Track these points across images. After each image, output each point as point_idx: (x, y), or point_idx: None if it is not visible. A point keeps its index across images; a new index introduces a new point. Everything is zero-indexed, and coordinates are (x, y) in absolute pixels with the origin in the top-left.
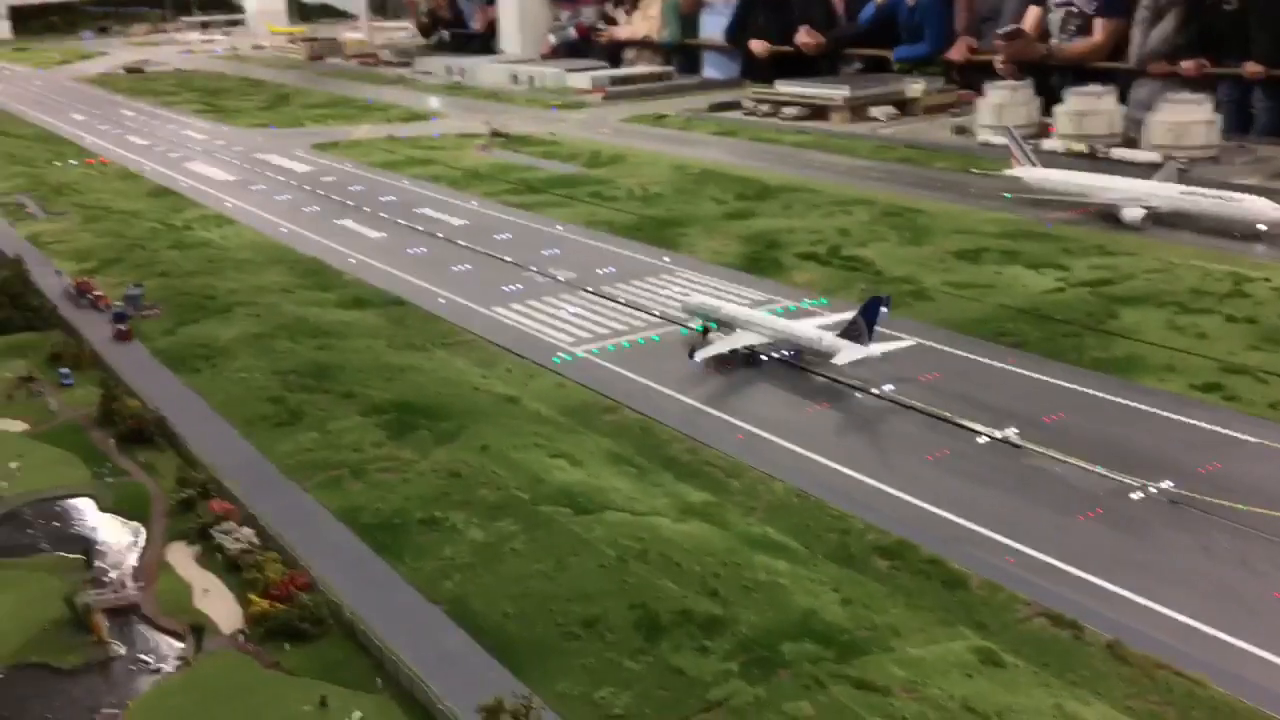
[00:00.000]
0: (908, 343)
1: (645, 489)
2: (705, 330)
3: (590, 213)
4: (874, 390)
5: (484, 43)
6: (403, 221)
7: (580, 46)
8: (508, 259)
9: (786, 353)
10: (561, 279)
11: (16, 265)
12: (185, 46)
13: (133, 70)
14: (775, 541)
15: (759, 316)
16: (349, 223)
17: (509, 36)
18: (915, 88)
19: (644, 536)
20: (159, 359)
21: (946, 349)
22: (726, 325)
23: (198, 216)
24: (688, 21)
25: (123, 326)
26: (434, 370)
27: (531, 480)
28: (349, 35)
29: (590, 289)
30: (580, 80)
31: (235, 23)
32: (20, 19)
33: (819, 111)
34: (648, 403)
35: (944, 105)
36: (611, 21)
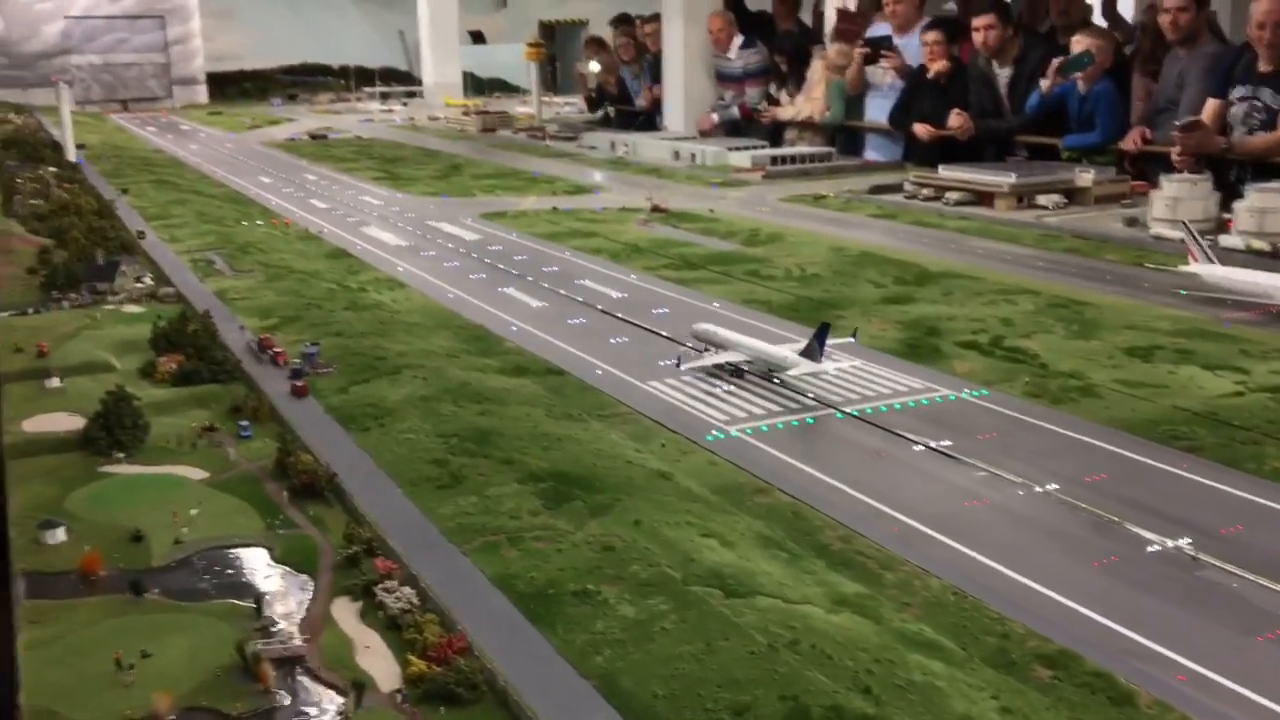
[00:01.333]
0: (854, 361)
1: (796, 575)
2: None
3: (747, 291)
4: (1037, 488)
5: (648, 120)
6: (564, 292)
7: (741, 125)
8: (664, 333)
9: (766, 370)
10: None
11: (205, 320)
12: (366, 115)
13: (316, 137)
14: (931, 640)
15: (745, 341)
16: (513, 291)
17: (673, 114)
18: (1085, 177)
19: (795, 625)
20: (331, 416)
21: (1115, 449)
22: (719, 346)
23: (371, 279)
24: (851, 103)
25: (299, 383)
26: (590, 442)
27: (683, 559)
28: (519, 109)
29: (745, 368)
30: (741, 159)
31: (413, 94)
32: (216, 84)
33: (983, 197)
34: (800, 486)
35: (1115, 196)
36: (774, 101)
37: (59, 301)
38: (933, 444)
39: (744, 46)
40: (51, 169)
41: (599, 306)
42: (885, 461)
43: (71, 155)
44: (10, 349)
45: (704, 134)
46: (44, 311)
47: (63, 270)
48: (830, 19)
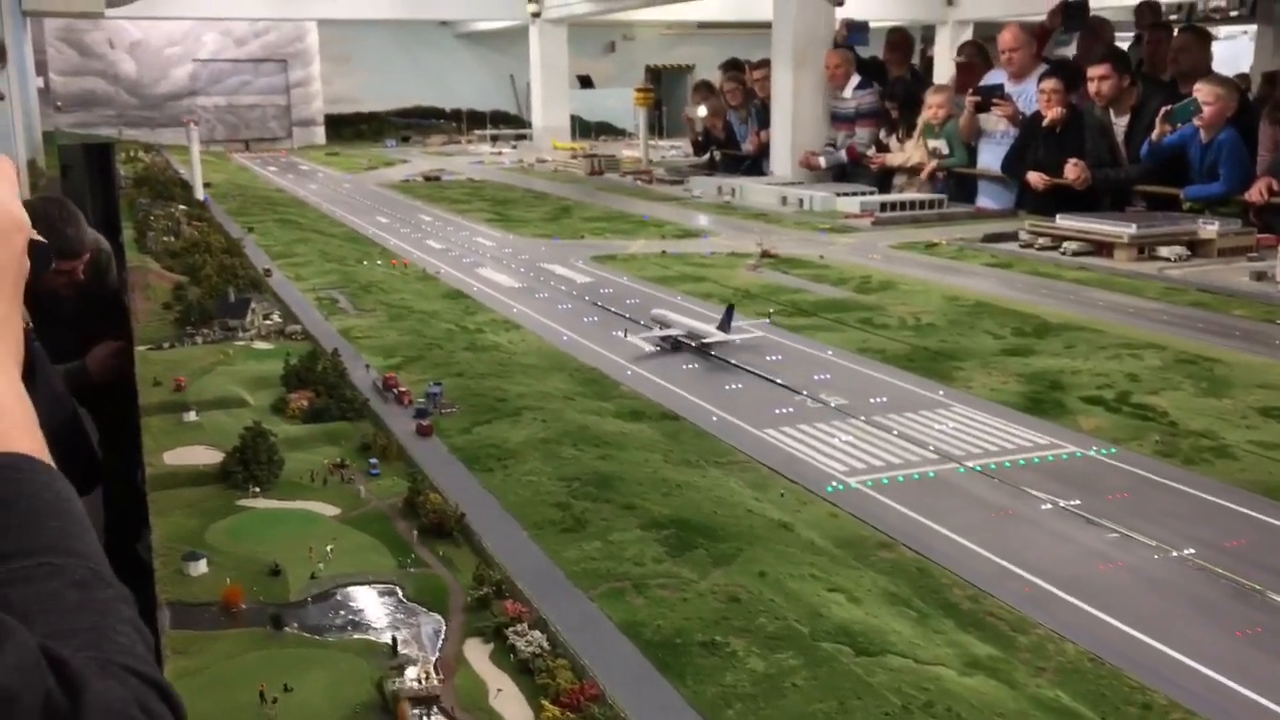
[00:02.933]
0: (757, 333)
1: (926, 635)
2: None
3: (861, 339)
4: (1173, 552)
5: (754, 164)
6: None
7: (848, 169)
8: (778, 380)
9: (695, 341)
10: (833, 405)
11: (333, 358)
12: (477, 158)
13: (430, 178)
14: (1069, 708)
15: (681, 320)
16: (632, 339)
17: (780, 159)
18: (1208, 228)
19: (929, 687)
20: (456, 456)
21: (1254, 514)
22: (666, 325)
23: (488, 320)
24: (967, 148)
25: (424, 422)
26: (709, 489)
27: (810, 613)
28: (626, 152)
29: (863, 418)
30: (849, 204)
31: (522, 137)
32: (334, 126)
33: (1102, 248)
34: (924, 542)
35: (1240, 249)
36: (883, 148)
37: (193, 336)
38: (1061, 502)
39: (859, 87)
40: (181, 207)
41: (713, 352)
42: (1012, 519)
43: (200, 194)
44: (150, 382)
45: (807, 168)
46: (180, 346)
47: (197, 306)
48: (940, 65)
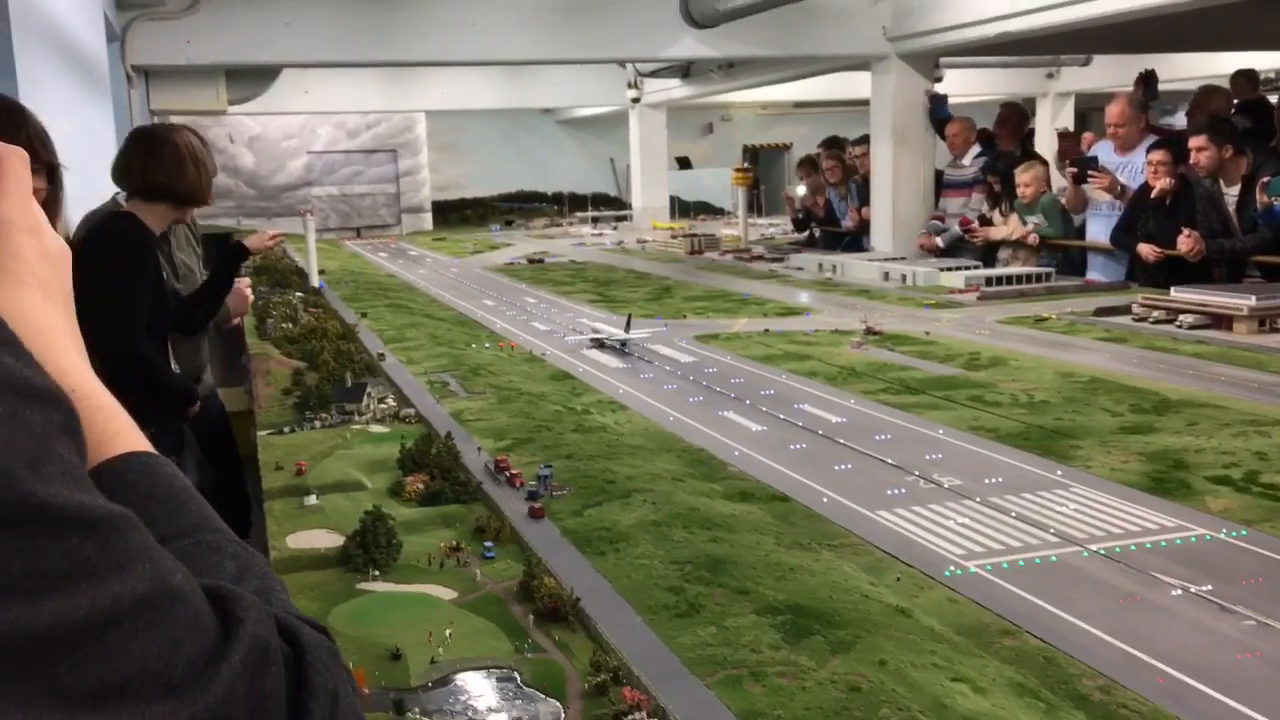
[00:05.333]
0: (646, 333)
1: None
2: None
3: (972, 417)
4: None
5: (854, 240)
6: (782, 416)
7: (954, 246)
8: (889, 461)
9: (615, 343)
10: (947, 486)
11: (446, 441)
12: (578, 239)
13: (534, 261)
14: None
15: (606, 329)
16: (731, 414)
17: (880, 234)
18: None
19: None
20: (568, 539)
21: None
22: (597, 334)
23: (594, 401)
24: (1069, 220)
25: (536, 505)
26: (823, 573)
27: (934, 704)
28: (725, 231)
29: (978, 499)
30: (954, 279)
31: (622, 218)
32: (440, 212)
33: (1220, 320)
34: (1050, 630)
35: None
36: (986, 222)
37: (312, 421)
38: (1192, 588)
39: (979, 155)
40: (298, 294)
41: (820, 431)
42: (1141, 605)
43: (315, 281)
44: (271, 467)
45: (926, 251)
46: (299, 430)
47: (315, 391)
48: (1042, 138)
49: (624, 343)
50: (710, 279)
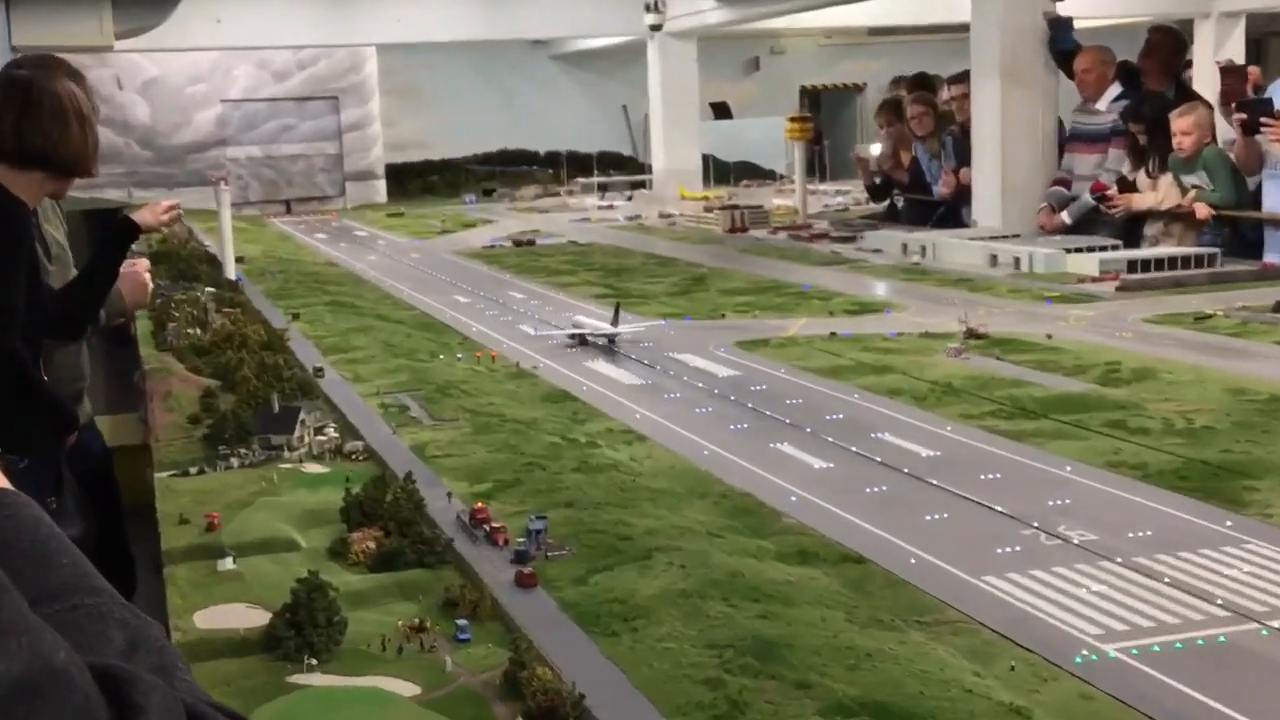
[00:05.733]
0: (646, 325)
1: None
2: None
3: (1111, 449)
4: None
5: (950, 212)
6: (855, 449)
7: (1085, 220)
8: (999, 509)
9: (601, 340)
10: (1077, 542)
11: (406, 485)
12: (581, 214)
13: (521, 243)
14: None
15: (586, 321)
16: (786, 446)
17: (986, 204)
18: None
19: None
20: (569, 614)
21: None
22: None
23: (603, 430)
24: (1240, 182)
25: (526, 569)
26: (910, 659)
27: None
28: (777, 201)
29: (1119, 559)
30: (1085, 264)
31: (639, 185)
32: (397, 179)
33: None
34: None
35: None
36: (1128, 186)
37: (227, 459)
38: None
39: (1119, 97)
40: (208, 289)
41: (905, 469)
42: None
43: (231, 272)
44: (174, 520)
45: (1047, 231)
46: (211, 471)
47: (231, 419)
48: (1201, 74)
49: (611, 339)
50: (757, 265)
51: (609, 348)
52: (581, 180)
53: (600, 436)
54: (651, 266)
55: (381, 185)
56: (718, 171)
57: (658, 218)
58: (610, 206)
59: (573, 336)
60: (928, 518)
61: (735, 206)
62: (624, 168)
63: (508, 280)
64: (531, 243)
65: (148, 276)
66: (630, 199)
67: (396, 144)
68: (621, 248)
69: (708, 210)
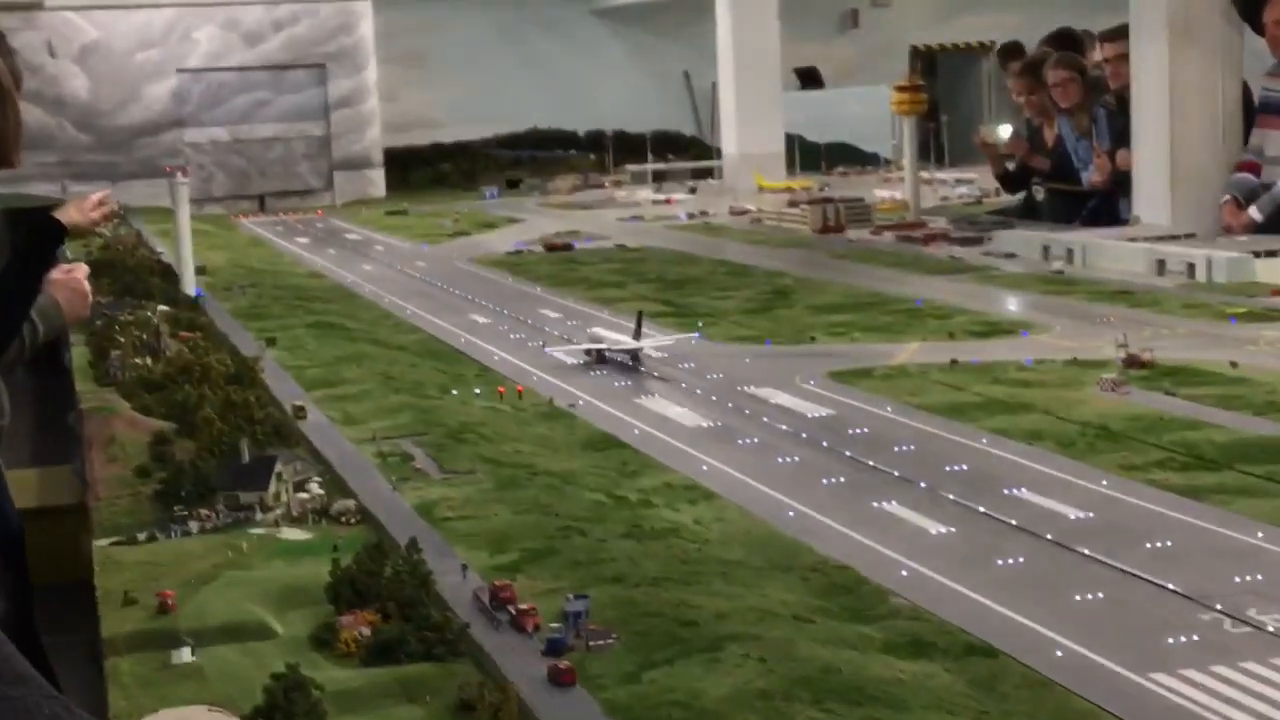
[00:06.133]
0: (673, 339)
1: None
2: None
3: None
4: None
5: (1103, 206)
6: (982, 508)
7: None
8: (1169, 586)
9: (622, 357)
10: (1272, 630)
11: (410, 555)
12: (632, 209)
13: (556, 248)
14: None
15: (607, 334)
16: (893, 505)
17: (1150, 194)
18: None
19: None
20: None
21: None
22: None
23: (660, 485)
24: None
25: (561, 663)
26: None
27: None
28: (882, 193)
29: None
30: (1278, 270)
31: (704, 174)
32: (398, 167)
33: None
34: None
35: None
36: None
37: (185, 521)
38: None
39: None
40: (162, 308)
41: (1048, 535)
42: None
43: (190, 286)
44: (117, 600)
45: (1234, 232)
46: (163, 538)
47: (189, 472)
48: None
49: (635, 355)
50: (856, 274)
51: (631, 365)
52: (632, 168)
53: (657, 493)
54: (721, 276)
55: (379, 176)
56: (806, 156)
57: (729, 215)
58: (669, 201)
59: (589, 353)
60: (1078, 598)
61: (828, 200)
62: (686, 151)
63: (538, 295)
64: (569, 247)
65: (87, 286)
66: (694, 192)
67: (398, 123)
68: (683, 253)
69: (793, 205)
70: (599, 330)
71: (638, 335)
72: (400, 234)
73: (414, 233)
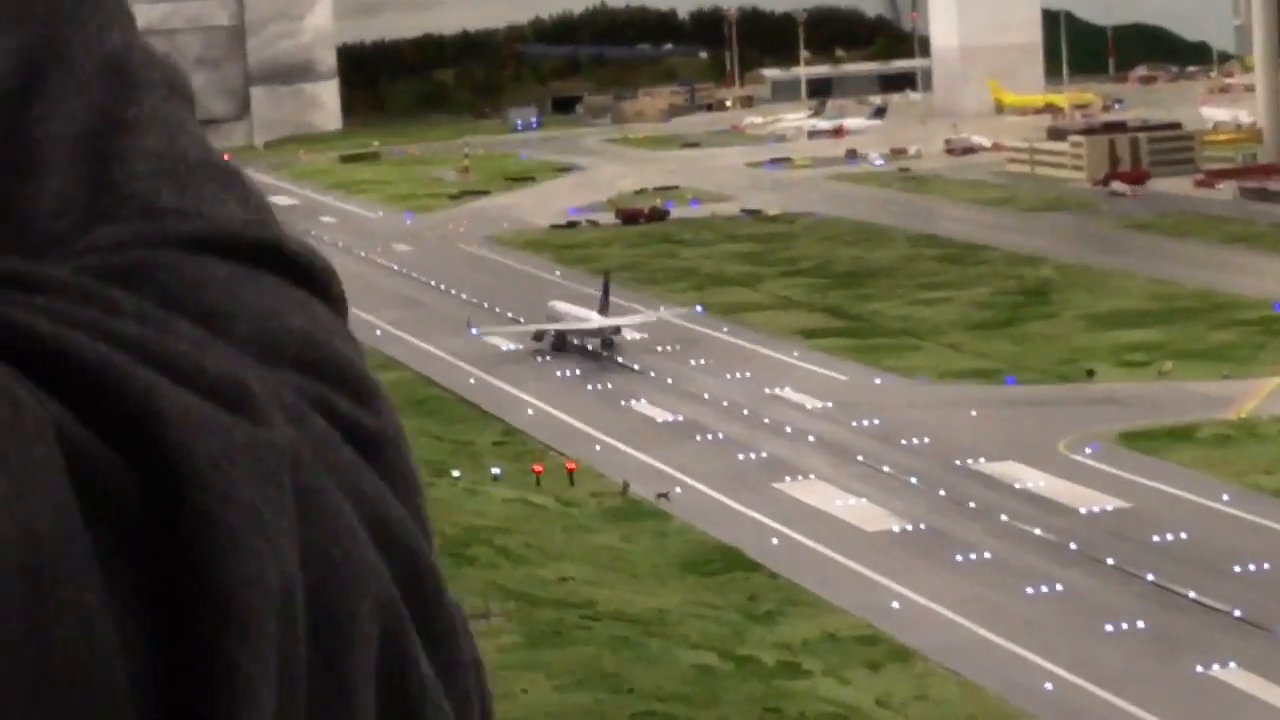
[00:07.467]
0: (649, 317)
1: None
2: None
3: None
4: None
5: None
6: None
7: None
8: None
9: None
10: None
11: None
12: (768, 144)
13: (637, 217)
14: None
15: (573, 315)
16: (1232, 674)
17: None
18: None
19: None
20: None
21: None
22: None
23: (817, 635)
24: None
25: None
26: None
27: None
28: (1212, 113)
29: None
30: None
31: (898, 82)
32: (361, 76)
33: None
34: None
35: None
36: None
37: None
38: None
39: None
40: None
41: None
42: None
43: None
44: None
45: None
46: None
47: None
48: None
49: (607, 339)
50: (1166, 257)
51: (602, 354)
52: (772, 73)
53: (808, 649)
54: (927, 262)
55: (330, 93)
56: (1081, 49)
57: (944, 153)
58: (838, 131)
59: (539, 337)
60: None
61: (1119, 126)
62: (868, 45)
63: (596, 297)
64: (660, 215)
65: None
66: (882, 114)
67: (360, 5)
68: (865, 224)
69: (1056, 136)
70: (558, 305)
71: (604, 309)
72: (366, 194)
73: (390, 192)
